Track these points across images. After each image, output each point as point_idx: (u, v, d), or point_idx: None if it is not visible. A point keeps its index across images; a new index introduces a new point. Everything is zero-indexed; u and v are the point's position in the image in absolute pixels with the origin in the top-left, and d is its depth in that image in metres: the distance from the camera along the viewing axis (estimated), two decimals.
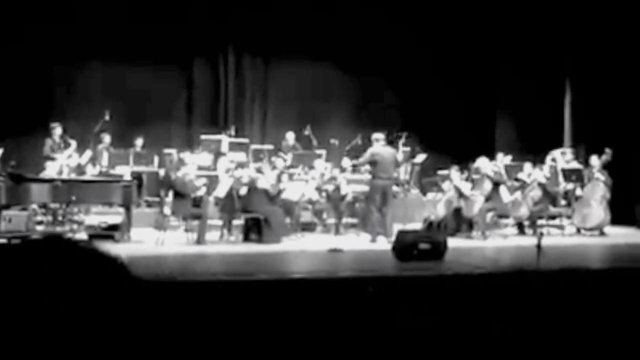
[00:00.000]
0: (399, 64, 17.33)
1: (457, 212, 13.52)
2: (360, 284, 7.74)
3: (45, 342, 1.19)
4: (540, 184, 14.14)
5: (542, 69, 16.81)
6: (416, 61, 17.47)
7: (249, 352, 4.75)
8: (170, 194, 12.22)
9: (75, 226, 12.33)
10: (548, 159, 14.81)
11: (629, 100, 15.51)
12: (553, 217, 14.55)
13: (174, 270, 9.26)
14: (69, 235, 11.78)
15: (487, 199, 13.33)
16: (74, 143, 14.05)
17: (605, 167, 14.29)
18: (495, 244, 12.66)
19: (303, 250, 11.53)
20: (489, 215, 13.38)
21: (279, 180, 13.30)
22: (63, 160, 13.82)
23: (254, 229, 12.38)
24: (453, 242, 11.20)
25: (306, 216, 13.87)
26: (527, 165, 14.59)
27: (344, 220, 13.92)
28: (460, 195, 13.60)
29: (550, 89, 17.02)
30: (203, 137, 15.26)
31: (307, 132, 16.29)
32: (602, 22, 15.78)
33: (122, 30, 15.92)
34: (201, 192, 12.21)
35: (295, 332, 5.29)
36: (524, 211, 13.92)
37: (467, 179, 14.09)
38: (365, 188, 13.20)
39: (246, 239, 12.43)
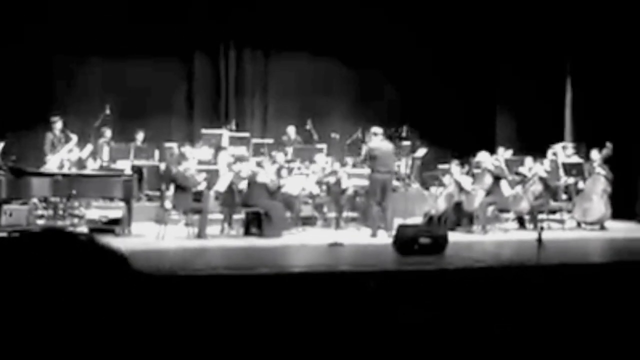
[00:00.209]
0: (400, 58, 17.31)
1: (458, 206, 13.51)
2: (360, 278, 7.75)
3: (44, 335, 1.18)
4: (541, 178, 14.13)
5: (542, 64, 16.78)
6: (417, 55, 17.45)
7: (250, 347, 4.75)
8: (171, 188, 12.22)
9: (75, 220, 12.33)
10: (549, 153, 14.79)
11: (629, 95, 15.48)
12: (554, 212, 14.55)
13: (175, 264, 9.27)
14: (70, 229, 11.78)
15: (488, 193, 13.32)
16: (74, 137, 14.05)
17: (606, 161, 14.28)
18: (495, 238, 12.65)
19: (303, 244, 11.54)
20: (490, 209, 13.38)
21: (278, 174, 13.30)
22: (64, 155, 13.82)
23: (255, 223, 12.38)
24: (453, 237, 11.21)
25: (307, 210, 13.87)
26: (528, 160, 14.57)
27: (345, 214, 13.93)
28: (461, 189, 13.59)
29: (550, 84, 16.99)
30: (204, 131, 15.27)
31: (308, 126, 16.29)
32: (602, 18, 15.74)
33: (123, 24, 15.89)
34: (202, 186, 12.21)
35: (295, 326, 5.29)
36: (524, 205, 13.92)
37: (467, 173, 14.08)
38: (366, 182, 13.19)
39: (247, 233, 12.43)
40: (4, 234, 10.43)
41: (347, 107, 17.68)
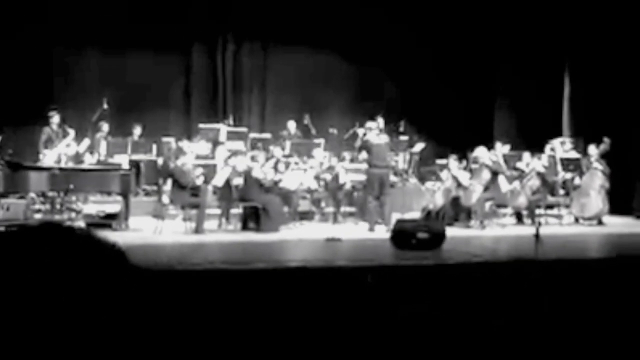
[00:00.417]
0: (399, 53, 17.29)
1: (456, 201, 13.52)
2: (358, 273, 7.75)
3: (42, 328, 1.18)
4: (538, 174, 14.13)
5: (540, 60, 16.77)
6: (416, 51, 17.43)
7: (248, 341, 4.75)
8: (169, 182, 12.21)
9: (73, 214, 12.31)
10: (547, 148, 14.80)
11: (627, 91, 15.48)
12: (551, 207, 14.55)
13: (172, 258, 9.26)
14: (67, 223, 11.77)
15: (486, 188, 13.33)
16: (72, 132, 14.04)
17: (604, 156, 14.29)
18: (493, 233, 12.66)
19: (301, 239, 11.55)
20: (488, 204, 13.39)
21: (276, 169, 13.30)
22: (61, 149, 13.81)
23: (252, 218, 12.38)
24: (451, 232, 11.22)
25: (304, 205, 13.88)
26: (526, 155, 14.57)
27: (342, 209, 13.94)
28: (459, 184, 13.60)
29: (548, 80, 16.99)
30: (201, 125, 15.24)
31: (306, 121, 16.28)
32: (600, 14, 15.73)
33: (121, 19, 15.86)
34: (199, 181, 12.20)
35: (293, 321, 5.29)
36: (522, 200, 13.92)
37: (465, 169, 14.09)
38: (363, 177, 13.20)
39: (244, 227, 12.43)
40: (1, 229, 10.42)
41: (346, 101, 17.66)
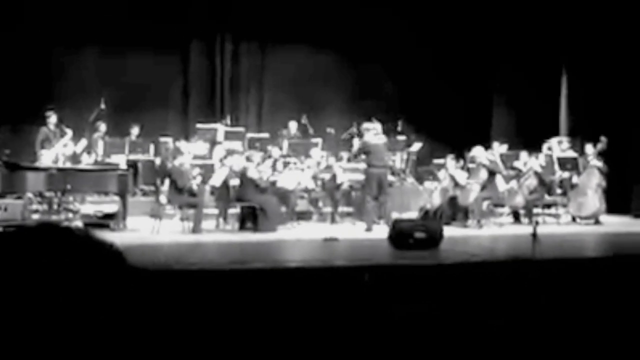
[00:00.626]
0: (397, 53, 17.29)
1: (453, 200, 13.53)
2: (355, 273, 7.74)
3: (40, 329, 1.18)
4: (536, 173, 14.14)
5: (538, 60, 16.78)
6: (414, 50, 17.43)
7: (245, 341, 4.75)
8: (166, 182, 12.20)
9: (70, 215, 12.31)
10: (544, 147, 14.81)
11: (624, 90, 15.49)
12: (548, 206, 14.57)
13: (170, 258, 9.25)
14: (65, 223, 11.76)
15: (483, 187, 13.34)
16: (69, 132, 14.02)
17: (601, 155, 14.30)
18: (490, 233, 12.67)
19: (299, 239, 11.54)
20: (485, 203, 13.40)
21: (274, 168, 13.29)
22: (59, 149, 13.79)
23: (250, 218, 12.38)
24: (449, 231, 11.22)
25: (302, 205, 13.88)
26: (523, 154, 14.58)
27: (340, 209, 13.93)
28: (456, 184, 13.61)
29: (546, 79, 17.00)
30: (199, 125, 15.24)
31: (303, 120, 16.28)
32: (598, 13, 15.74)
33: (119, 18, 15.84)
34: (197, 180, 12.19)
35: (291, 321, 5.29)
36: (519, 200, 13.94)
37: (462, 168, 14.10)
38: (361, 177, 13.20)
39: (242, 227, 12.43)
40: None
41: (343, 101, 17.65)
